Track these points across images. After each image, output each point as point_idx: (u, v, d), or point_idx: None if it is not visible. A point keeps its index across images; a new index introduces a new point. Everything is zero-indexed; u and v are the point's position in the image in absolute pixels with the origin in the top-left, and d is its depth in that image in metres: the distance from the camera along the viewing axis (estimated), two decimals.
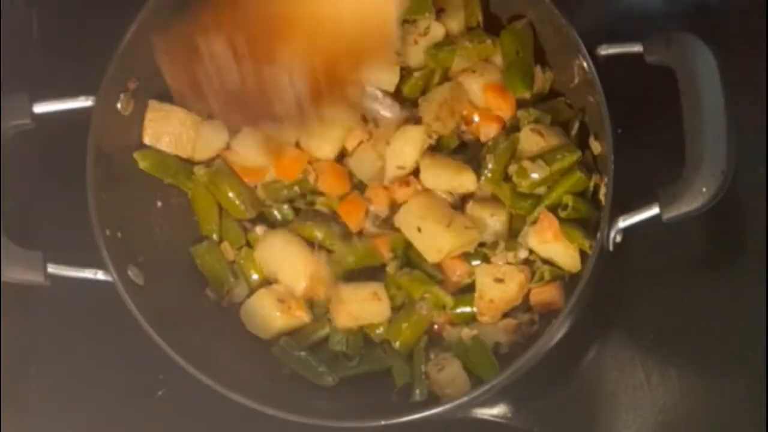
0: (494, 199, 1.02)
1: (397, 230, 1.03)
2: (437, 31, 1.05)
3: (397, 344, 1.03)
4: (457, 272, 1.02)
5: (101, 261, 0.98)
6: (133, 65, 1.01)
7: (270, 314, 1.03)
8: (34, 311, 1.12)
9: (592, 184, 0.99)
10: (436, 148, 1.03)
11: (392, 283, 1.03)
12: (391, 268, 1.03)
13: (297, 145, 1.06)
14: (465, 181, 1.01)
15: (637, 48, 0.95)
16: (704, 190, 0.89)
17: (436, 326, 1.04)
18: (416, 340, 1.03)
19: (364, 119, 1.05)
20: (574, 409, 1.07)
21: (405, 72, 1.06)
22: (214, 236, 1.08)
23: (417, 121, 1.03)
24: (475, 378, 0.99)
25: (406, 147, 1.02)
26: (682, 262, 1.09)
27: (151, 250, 1.04)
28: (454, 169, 1.01)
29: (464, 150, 1.05)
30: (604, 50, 0.96)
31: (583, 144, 1.01)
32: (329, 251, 1.05)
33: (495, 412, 1.07)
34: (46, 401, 1.14)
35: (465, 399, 0.94)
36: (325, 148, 1.05)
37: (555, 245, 0.98)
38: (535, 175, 0.98)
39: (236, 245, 1.07)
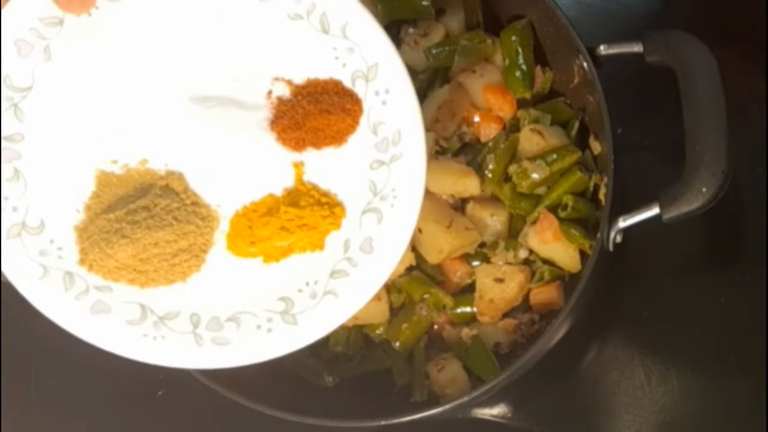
0: (494, 200, 1.02)
1: None
2: (437, 31, 1.05)
3: (397, 344, 1.03)
4: (458, 273, 1.02)
5: None
6: None
7: None
8: (34, 311, 1.12)
9: (592, 184, 0.99)
10: (438, 152, 1.03)
11: (392, 286, 1.02)
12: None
13: None
14: (469, 185, 1.00)
15: (637, 48, 0.95)
16: (704, 190, 0.89)
17: (436, 326, 1.04)
18: (416, 340, 1.03)
19: None
20: (574, 410, 1.07)
21: None
22: None
23: None
24: (475, 378, 0.99)
25: None
26: (682, 262, 1.09)
27: None
28: (458, 173, 1.01)
29: (465, 150, 1.05)
30: (604, 50, 0.96)
31: (583, 144, 1.01)
32: None
33: (495, 412, 1.07)
34: (46, 401, 1.14)
35: (465, 399, 0.94)
36: None
37: (555, 245, 0.98)
38: (535, 175, 0.98)
39: None
